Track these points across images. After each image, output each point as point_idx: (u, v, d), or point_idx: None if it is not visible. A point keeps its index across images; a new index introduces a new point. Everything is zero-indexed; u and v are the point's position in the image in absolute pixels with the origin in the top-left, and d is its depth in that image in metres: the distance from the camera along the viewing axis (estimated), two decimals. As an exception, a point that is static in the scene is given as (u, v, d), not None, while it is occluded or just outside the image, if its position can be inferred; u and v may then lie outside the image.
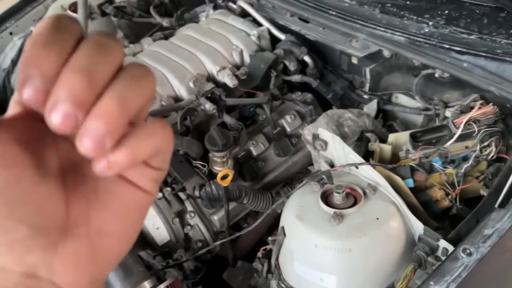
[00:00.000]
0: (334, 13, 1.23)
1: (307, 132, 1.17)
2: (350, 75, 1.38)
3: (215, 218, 1.11)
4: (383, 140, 1.15)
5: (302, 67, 1.36)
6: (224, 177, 0.98)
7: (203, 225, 1.10)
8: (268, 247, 1.05)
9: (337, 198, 0.93)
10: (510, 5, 0.91)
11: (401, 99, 1.31)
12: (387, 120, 1.31)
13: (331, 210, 0.90)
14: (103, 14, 1.58)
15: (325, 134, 1.04)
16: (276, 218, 1.07)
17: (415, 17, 1.15)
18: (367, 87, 1.35)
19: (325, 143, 1.05)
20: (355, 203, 0.93)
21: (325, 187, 0.97)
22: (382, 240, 0.88)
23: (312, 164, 1.24)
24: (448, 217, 1.00)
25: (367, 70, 1.31)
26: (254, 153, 1.20)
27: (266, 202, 1.09)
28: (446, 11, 1.12)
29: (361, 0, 1.23)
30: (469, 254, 0.82)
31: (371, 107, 1.28)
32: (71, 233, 0.29)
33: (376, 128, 1.18)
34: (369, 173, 0.97)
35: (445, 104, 1.16)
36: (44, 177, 0.27)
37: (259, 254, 1.07)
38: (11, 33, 1.74)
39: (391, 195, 0.93)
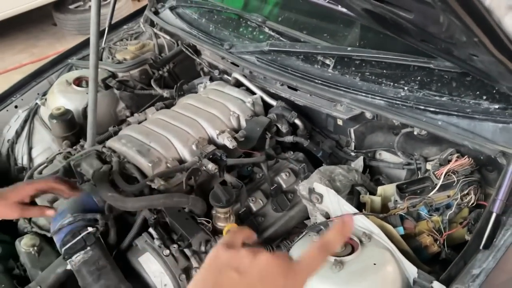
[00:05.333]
0: (319, 81, 1.37)
1: (302, 188, 1.26)
2: (336, 135, 1.51)
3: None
4: (372, 192, 1.25)
5: (293, 129, 1.48)
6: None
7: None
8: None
9: (336, 246, 1.00)
10: (475, 71, 1.06)
11: (385, 155, 1.42)
12: (373, 175, 1.41)
13: (331, 258, 0.97)
14: (107, 87, 1.71)
15: (320, 188, 1.13)
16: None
17: (391, 83, 1.30)
18: (352, 146, 1.47)
19: (321, 196, 1.14)
20: (352, 250, 1.01)
21: (324, 237, 1.05)
22: (380, 284, 0.95)
23: (308, 218, 1.32)
24: (438, 262, 1.08)
25: (352, 130, 1.44)
26: (254, 209, 1.28)
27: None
28: (419, 77, 1.28)
29: (343, 70, 1.38)
30: (461, 293, 0.89)
31: (358, 164, 1.40)
32: None
33: (365, 182, 1.28)
34: (363, 223, 1.05)
35: (425, 158, 1.28)
36: None
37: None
38: (16, 106, 1.84)
39: (385, 242, 1.01)
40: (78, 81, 1.77)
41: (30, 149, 1.74)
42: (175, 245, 1.12)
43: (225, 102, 1.44)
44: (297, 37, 1.51)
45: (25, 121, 1.78)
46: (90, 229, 1.09)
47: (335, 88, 1.34)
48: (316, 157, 1.46)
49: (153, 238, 1.14)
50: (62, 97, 1.72)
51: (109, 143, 1.33)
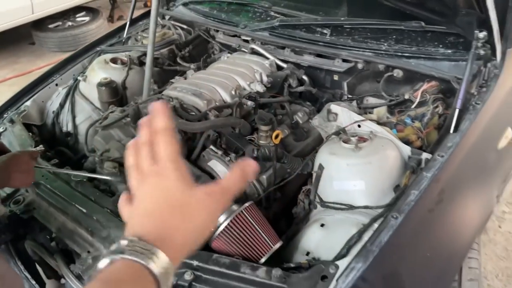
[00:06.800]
0: (322, 44, 1.83)
1: (315, 121, 1.69)
2: (332, 90, 1.96)
3: (264, 177, 1.53)
4: (368, 119, 1.70)
5: (300, 84, 1.92)
6: (276, 137, 1.45)
7: (256, 182, 1.52)
8: (306, 187, 1.50)
9: (353, 140, 1.44)
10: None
11: (371, 100, 1.89)
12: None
13: (352, 146, 1.40)
14: (141, 64, 2.07)
15: (336, 108, 1.57)
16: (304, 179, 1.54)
17: (374, 41, 1.78)
18: (345, 96, 1.93)
19: (336, 114, 1.57)
20: (364, 142, 1.44)
21: (343, 138, 1.47)
22: (388, 157, 1.38)
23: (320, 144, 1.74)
24: (421, 153, 1.53)
25: (345, 83, 1.90)
26: (281, 136, 1.68)
27: (298, 163, 1.55)
28: (394, 36, 1.77)
29: (337, 36, 1.85)
30: (442, 156, 1.34)
31: (353, 105, 1.85)
32: None
33: (361, 114, 1.73)
34: (369, 126, 1.49)
35: (403, 94, 1.75)
36: None
37: (300, 196, 1.50)
38: (56, 84, 2.15)
39: (386, 136, 1.46)
40: (114, 60, 2.12)
41: (74, 117, 2.05)
42: (233, 154, 1.49)
43: (249, 63, 1.86)
44: (298, 16, 1.98)
45: (66, 96, 2.09)
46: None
47: (333, 48, 1.80)
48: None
49: (215, 151, 1.51)
50: (102, 72, 2.05)
51: (165, 92, 1.70)
